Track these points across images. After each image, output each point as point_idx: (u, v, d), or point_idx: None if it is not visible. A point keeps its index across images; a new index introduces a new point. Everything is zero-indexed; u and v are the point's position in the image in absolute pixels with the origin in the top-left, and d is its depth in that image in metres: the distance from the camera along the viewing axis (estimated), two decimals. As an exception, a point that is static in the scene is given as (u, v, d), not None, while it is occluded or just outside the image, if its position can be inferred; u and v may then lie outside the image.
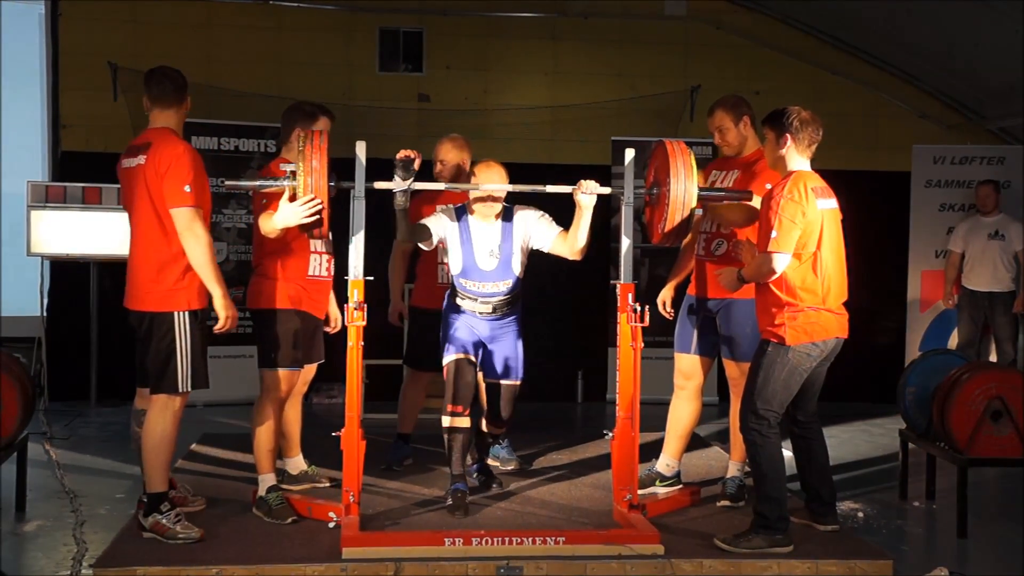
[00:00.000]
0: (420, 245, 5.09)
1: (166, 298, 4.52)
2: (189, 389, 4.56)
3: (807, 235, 4.44)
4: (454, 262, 4.99)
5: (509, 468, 5.76)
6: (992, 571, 4.64)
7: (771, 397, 4.54)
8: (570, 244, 4.92)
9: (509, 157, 8.35)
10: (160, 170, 4.46)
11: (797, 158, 4.58)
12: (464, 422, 4.98)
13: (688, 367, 5.28)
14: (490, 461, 5.67)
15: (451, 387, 4.98)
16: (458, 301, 5.06)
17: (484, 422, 5.33)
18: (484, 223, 4.95)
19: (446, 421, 4.98)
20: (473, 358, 5.03)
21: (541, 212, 5.03)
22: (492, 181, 4.89)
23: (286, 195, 4.58)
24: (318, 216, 4.58)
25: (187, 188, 4.43)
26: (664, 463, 5.39)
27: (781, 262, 4.43)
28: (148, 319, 4.55)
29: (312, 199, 4.52)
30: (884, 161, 9.09)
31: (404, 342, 5.84)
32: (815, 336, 4.50)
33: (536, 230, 4.99)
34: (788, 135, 4.55)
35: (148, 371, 4.60)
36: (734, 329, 5.05)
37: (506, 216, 4.99)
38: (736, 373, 5.12)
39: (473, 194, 4.92)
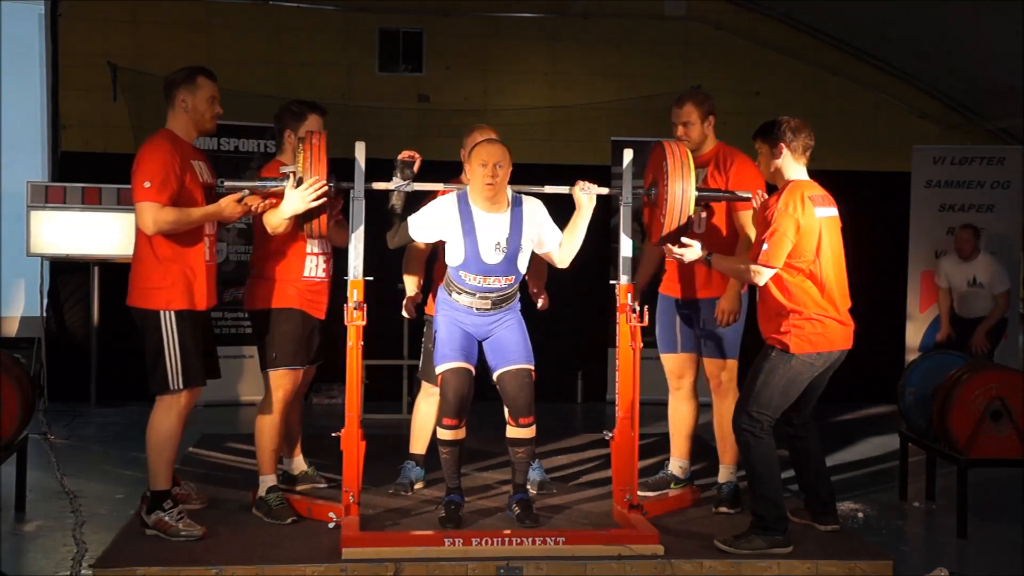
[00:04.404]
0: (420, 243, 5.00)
1: (151, 296, 4.54)
2: (180, 387, 4.56)
3: (804, 244, 4.44)
4: (454, 253, 4.66)
5: (544, 492, 5.37)
6: (992, 571, 4.64)
7: (767, 402, 4.54)
8: (563, 251, 4.78)
9: (509, 157, 8.42)
10: (133, 170, 4.52)
11: (794, 167, 4.57)
12: (459, 435, 4.77)
13: (677, 366, 5.28)
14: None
15: (445, 399, 4.72)
16: (453, 296, 4.76)
17: (508, 427, 4.85)
18: (490, 213, 4.66)
19: (441, 434, 4.80)
20: (470, 366, 4.74)
21: (544, 209, 4.79)
22: (495, 157, 4.54)
23: (290, 184, 4.58)
24: (324, 199, 4.58)
25: (147, 184, 4.43)
26: (677, 465, 5.38)
27: (765, 275, 4.45)
28: (140, 316, 4.57)
29: (316, 180, 4.53)
30: (884, 161, 9.09)
31: (420, 356, 5.47)
32: (819, 347, 4.50)
33: (546, 230, 4.75)
34: (782, 144, 4.55)
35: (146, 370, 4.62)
36: (714, 327, 5.05)
37: (514, 204, 4.70)
38: (717, 371, 5.13)
39: (476, 187, 4.60)
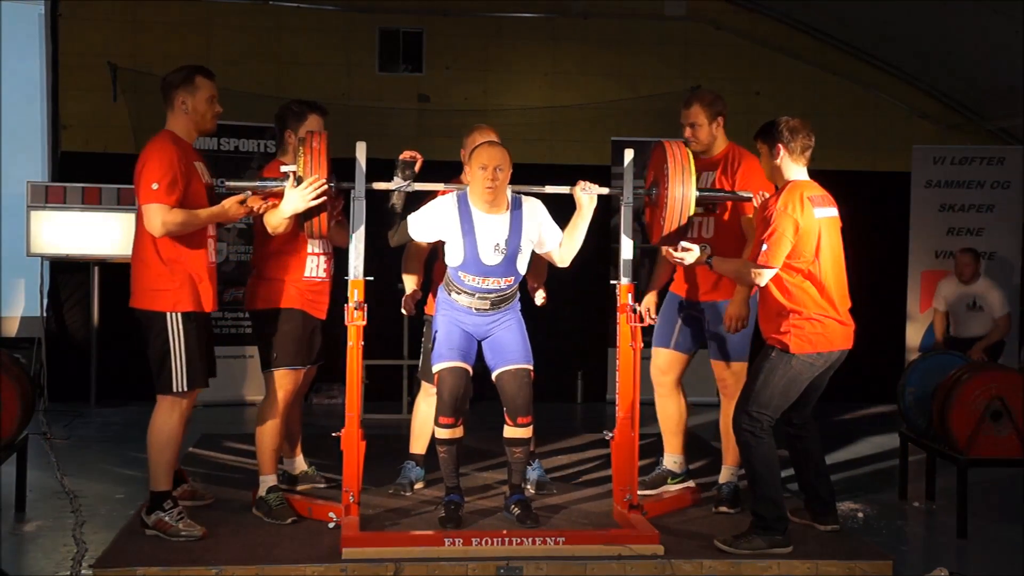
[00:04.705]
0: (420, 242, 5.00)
1: (157, 298, 4.54)
2: (185, 389, 4.56)
3: (804, 244, 4.44)
4: (453, 254, 4.67)
5: (544, 492, 5.37)
6: (992, 571, 4.64)
7: (767, 402, 4.54)
8: (564, 250, 4.79)
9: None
10: (137, 170, 4.52)
11: (792, 167, 4.57)
12: (456, 433, 4.76)
13: (665, 362, 5.28)
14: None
15: (440, 398, 4.72)
16: (452, 296, 4.77)
17: (506, 427, 4.80)
18: (489, 214, 4.67)
19: (438, 433, 4.79)
20: (466, 366, 4.74)
21: (545, 209, 4.80)
22: (495, 160, 4.56)
23: (289, 183, 4.58)
24: (324, 198, 4.59)
25: (154, 186, 4.43)
26: (671, 460, 5.38)
27: (765, 276, 4.45)
28: (145, 318, 4.58)
29: (315, 179, 4.53)
30: (884, 161, 9.10)
31: (420, 356, 5.47)
32: (819, 347, 4.50)
33: (546, 230, 4.75)
34: (780, 145, 4.54)
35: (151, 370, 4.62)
36: (720, 329, 5.05)
37: (513, 206, 4.70)
38: (725, 374, 5.13)
39: (475, 189, 4.63)
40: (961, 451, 5.11)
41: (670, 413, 5.33)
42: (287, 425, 5.12)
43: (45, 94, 8.59)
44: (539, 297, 5.23)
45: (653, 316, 5.31)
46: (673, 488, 5.32)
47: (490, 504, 5.14)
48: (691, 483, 5.38)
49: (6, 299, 8.55)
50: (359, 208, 4.66)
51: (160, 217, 4.42)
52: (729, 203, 4.98)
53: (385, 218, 4.97)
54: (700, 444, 6.50)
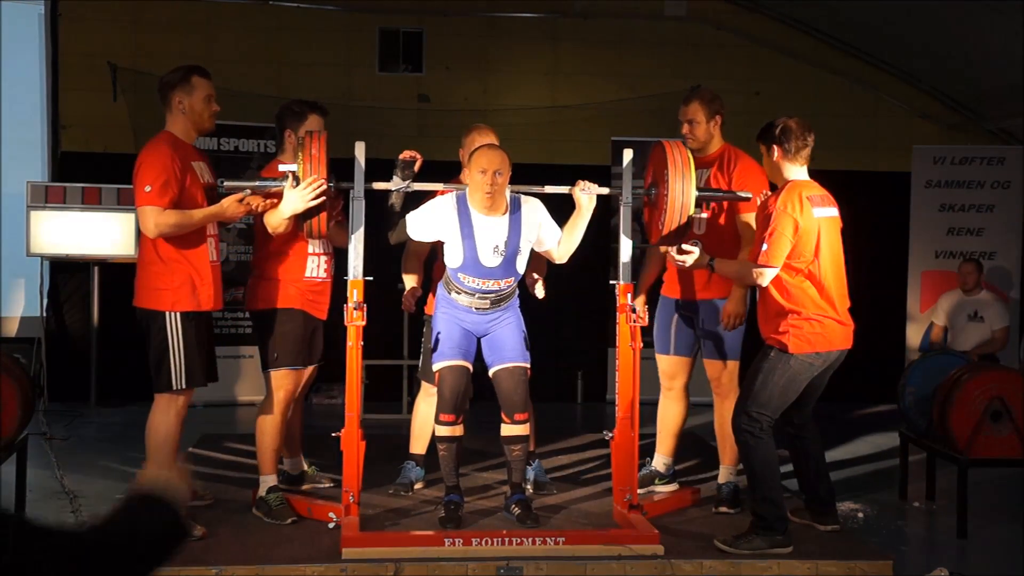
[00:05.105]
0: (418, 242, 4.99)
1: (157, 297, 4.56)
2: (183, 387, 4.57)
3: (803, 244, 4.44)
4: (452, 255, 4.68)
5: (543, 492, 5.36)
6: (992, 571, 4.64)
7: (767, 402, 4.54)
8: (562, 248, 4.79)
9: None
10: (134, 173, 4.54)
11: (790, 167, 4.57)
12: (456, 431, 4.76)
13: (670, 368, 5.30)
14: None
15: (441, 396, 4.73)
16: (452, 295, 4.78)
17: (503, 425, 4.80)
18: (489, 216, 4.67)
19: (438, 430, 4.80)
20: (467, 363, 4.77)
21: (544, 208, 4.79)
22: (494, 164, 4.55)
23: (288, 184, 4.58)
24: (323, 198, 4.59)
25: (147, 188, 4.45)
26: (661, 462, 5.40)
27: (767, 276, 4.45)
28: (144, 316, 4.60)
29: (314, 179, 4.53)
30: (884, 162, 9.09)
31: (420, 356, 5.46)
32: (818, 346, 4.50)
33: (545, 230, 4.74)
34: (775, 146, 4.55)
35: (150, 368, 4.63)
36: (714, 328, 5.06)
37: (512, 207, 4.70)
38: (719, 373, 5.13)
39: (474, 193, 4.62)
40: (961, 451, 5.11)
41: (672, 416, 5.33)
42: (287, 425, 5.11)
43: (45, 94, 8.59)
44: (539, 290, 5.22)
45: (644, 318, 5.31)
46: (660, 489, 5.33)
47: (490, 504, 5.13)
48: (675, 485, 5.39)
49: (6, 299, 8.55)
50: (358, 208, 4.66)
51: (152, 219, 4.44)
52: (725, 203, 4.99)
53: (385, 218, 4.97)
54: (700, 444, 6.50)
